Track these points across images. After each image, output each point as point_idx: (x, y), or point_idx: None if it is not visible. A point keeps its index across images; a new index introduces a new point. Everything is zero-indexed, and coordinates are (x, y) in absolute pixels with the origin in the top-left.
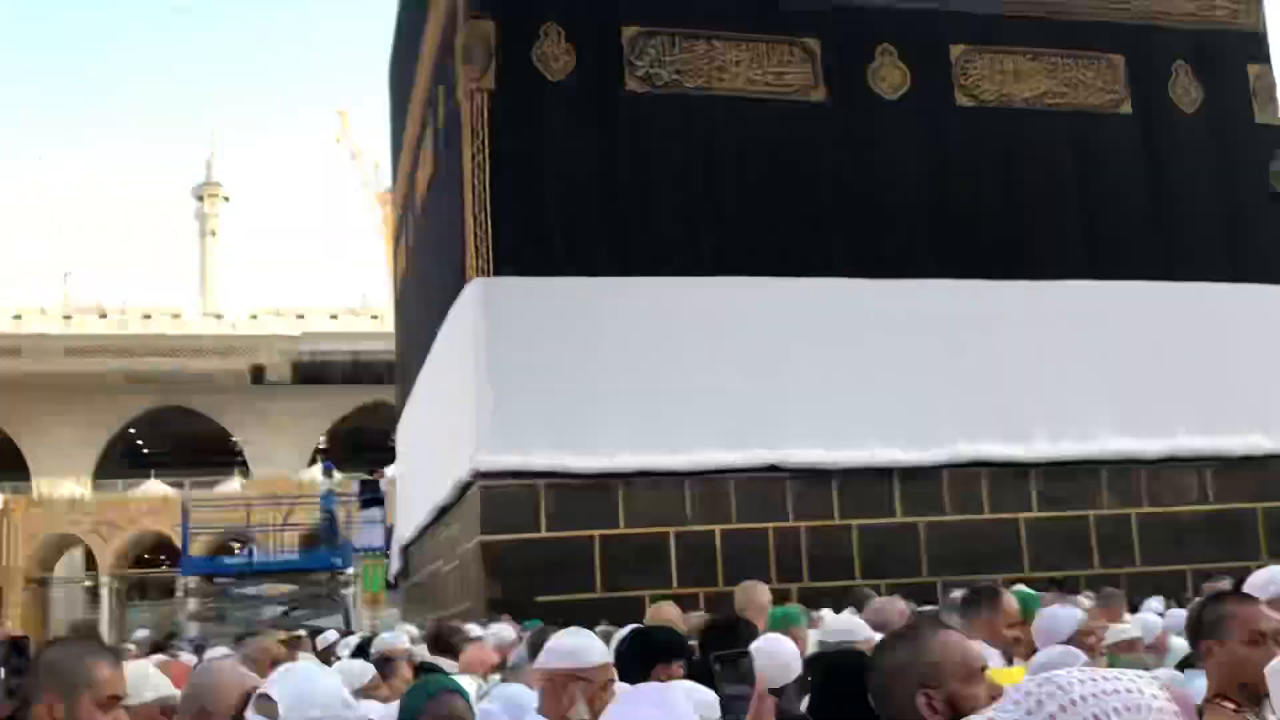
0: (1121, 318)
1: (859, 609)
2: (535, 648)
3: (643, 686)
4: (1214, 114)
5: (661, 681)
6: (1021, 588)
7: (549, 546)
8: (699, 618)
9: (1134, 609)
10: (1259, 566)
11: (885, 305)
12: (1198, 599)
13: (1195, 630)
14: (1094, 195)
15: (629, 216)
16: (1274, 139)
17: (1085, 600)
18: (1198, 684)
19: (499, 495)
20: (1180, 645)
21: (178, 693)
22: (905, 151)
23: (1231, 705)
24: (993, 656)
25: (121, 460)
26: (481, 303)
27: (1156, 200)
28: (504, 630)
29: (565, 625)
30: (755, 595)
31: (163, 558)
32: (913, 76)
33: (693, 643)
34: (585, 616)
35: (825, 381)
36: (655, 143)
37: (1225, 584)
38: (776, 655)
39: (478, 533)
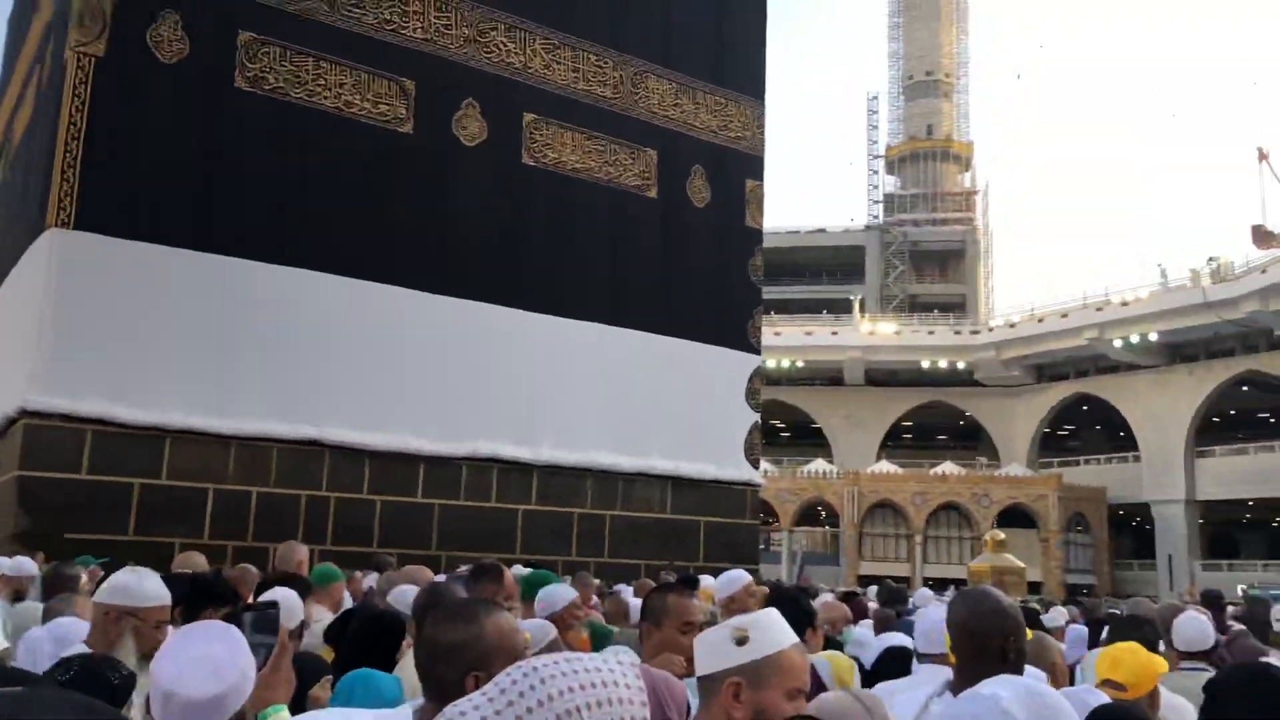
0: (625, 359)
1: (380, 570)
2: (49, 582)
3: (207, 622)
4: (717, 211)
5: None
6: (520, 568)
7: (88, 488)
8: (252, 571)
9: (602, 594)
10: (698, 565)
11: (437, 317)
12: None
13: (641, 615)
14: (619, 256)
15: (216, 199)
16: (756, 238)
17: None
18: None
19: (43, 434)
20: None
21: None
22: (474, 191)
23: None
24: None
25: None
26: (57, 253)
27: (665, 269)
28: (24, 563)
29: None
30: (292, 553)
31: None
32: (490, 130)
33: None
34: (112, 556)
35: (372, 374)
36: (253, 139)
37: (671, 577)
38: (287, 607)
39: (16, 467)
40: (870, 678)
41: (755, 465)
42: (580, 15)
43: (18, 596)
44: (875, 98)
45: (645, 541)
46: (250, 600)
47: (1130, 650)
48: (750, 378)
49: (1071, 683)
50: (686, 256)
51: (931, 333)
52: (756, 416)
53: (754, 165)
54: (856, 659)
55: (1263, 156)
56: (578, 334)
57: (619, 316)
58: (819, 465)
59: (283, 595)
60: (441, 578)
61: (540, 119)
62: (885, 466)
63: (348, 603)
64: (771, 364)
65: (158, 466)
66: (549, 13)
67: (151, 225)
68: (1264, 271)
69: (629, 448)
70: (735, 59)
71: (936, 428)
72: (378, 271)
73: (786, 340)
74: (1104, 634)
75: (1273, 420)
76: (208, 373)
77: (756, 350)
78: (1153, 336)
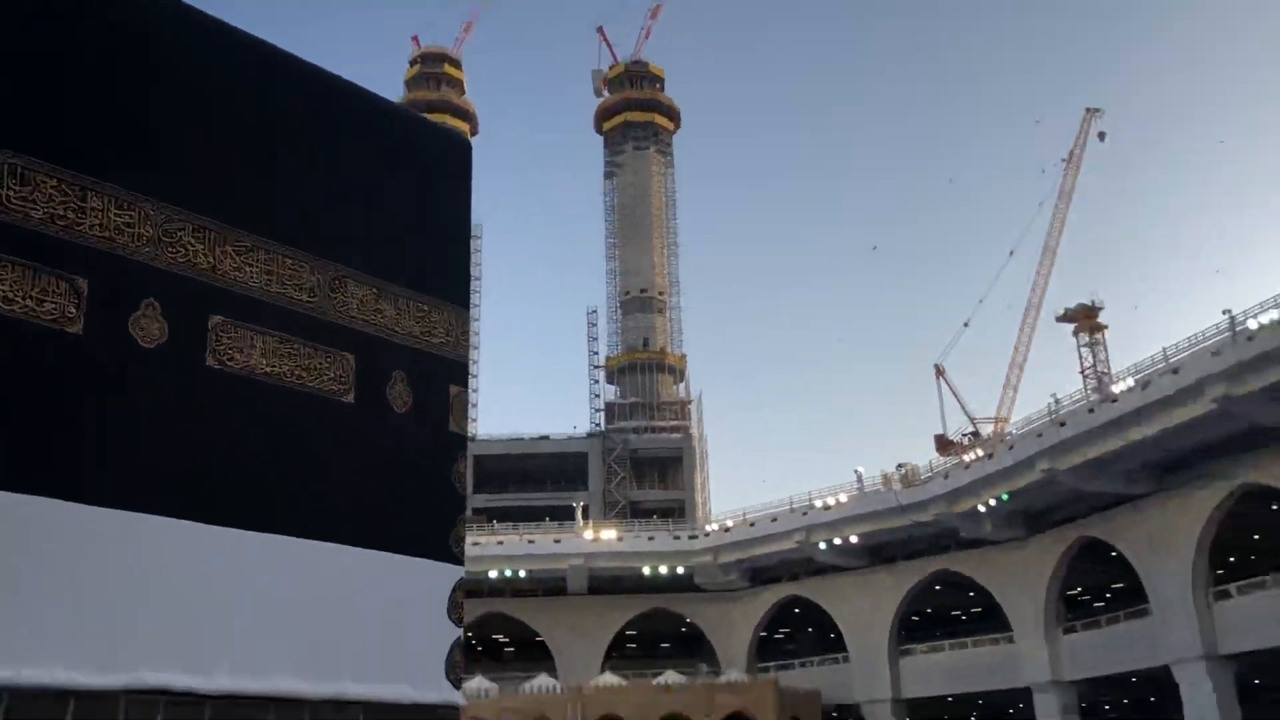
0: (315, 574)
1: None
2: None
3: None
4: (419, 417)
5: None
6: None
7: None
8: None
9: None
10: None
11: (98, 532)
12: None
13: None
14: (311, 464)
15: None
16: (460, 444)
17: None
18: None
19: None
20: None
21: None
22: (152, 395)
23: None
24: None
25: None
26: None
27: (362, 477)
28: None
29: None
30: None
31: None
32: (170, 331)
33: None
34: None
35: (17, 597)
36: None
37: None
38: None
39: None
40: None
41: (457, 685)
42: (278, 217)
43: None
44: (594, 311)
45: None
46: None
47: None
48: (453, 590)
49: None
50: (386, 464)
51: (652, 538)
52: (460, 632)
53: (458, 371)
54: None
55: (939, 373)
56: (263, 548)
57: (310, 528)
58: (543, 681)
59: None
60: None
61: (228, 321)
62: (609, 679)
63: None
64: (494, 574)
65: None
66: (244, 214)
67: None
68: (946, 476)
69: (319, 672)
70: (439, 266)
71: (659, 636)
72: (29, 482)
73: (509, 549)
74: None
75: (964, 618)
76: None
77: (460, 561)
78: (853, 539)
